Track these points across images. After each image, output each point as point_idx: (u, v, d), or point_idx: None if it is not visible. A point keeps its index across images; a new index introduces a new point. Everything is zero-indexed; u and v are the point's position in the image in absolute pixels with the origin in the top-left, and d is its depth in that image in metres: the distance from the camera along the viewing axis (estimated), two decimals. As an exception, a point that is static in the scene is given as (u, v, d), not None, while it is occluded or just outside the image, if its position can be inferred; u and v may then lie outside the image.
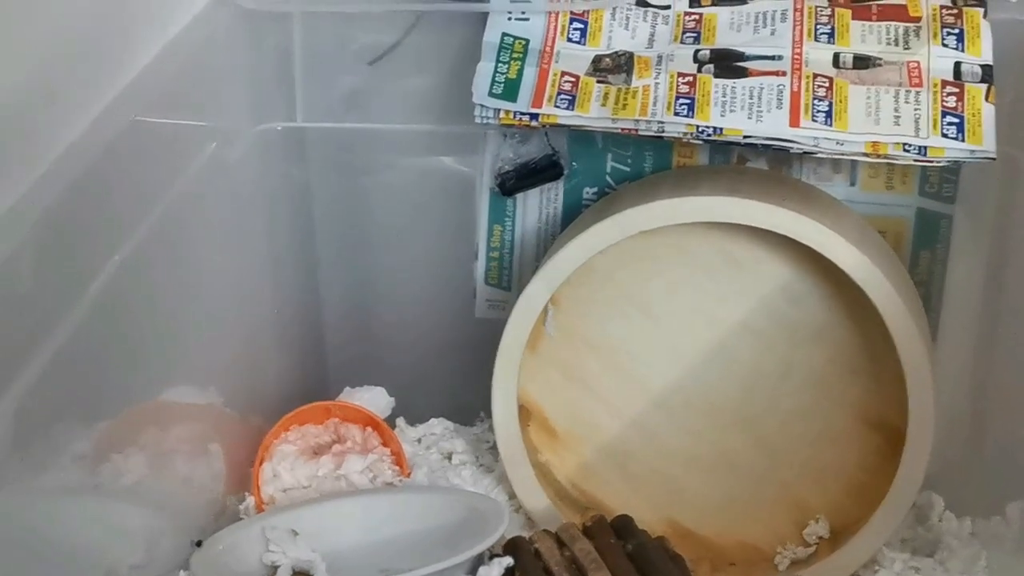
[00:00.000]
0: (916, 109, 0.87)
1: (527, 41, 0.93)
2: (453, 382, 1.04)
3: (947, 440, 0.90)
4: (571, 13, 0.93)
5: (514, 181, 0.97)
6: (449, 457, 1.00)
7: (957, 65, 0.89)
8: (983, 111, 0.87)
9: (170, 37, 0.87)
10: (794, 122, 0.87)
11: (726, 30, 0.92)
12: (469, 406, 1.02)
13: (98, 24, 0.80)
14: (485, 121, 0.91)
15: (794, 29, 0.91)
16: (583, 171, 0.97)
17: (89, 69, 0.79)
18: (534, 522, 0.93)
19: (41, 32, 0.75)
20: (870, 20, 0.91)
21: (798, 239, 0.85)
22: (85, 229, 0.74)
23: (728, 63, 0.90)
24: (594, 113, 0.89)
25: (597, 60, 0.92)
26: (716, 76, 0.89)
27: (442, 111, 0.97)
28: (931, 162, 0.86)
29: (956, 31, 0.90)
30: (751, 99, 0.88)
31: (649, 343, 0.92)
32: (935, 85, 0.88)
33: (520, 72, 0.91)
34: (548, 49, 0.93)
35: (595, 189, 0.97)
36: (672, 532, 0.92)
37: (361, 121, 0.99)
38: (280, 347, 1.02)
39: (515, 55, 0.92)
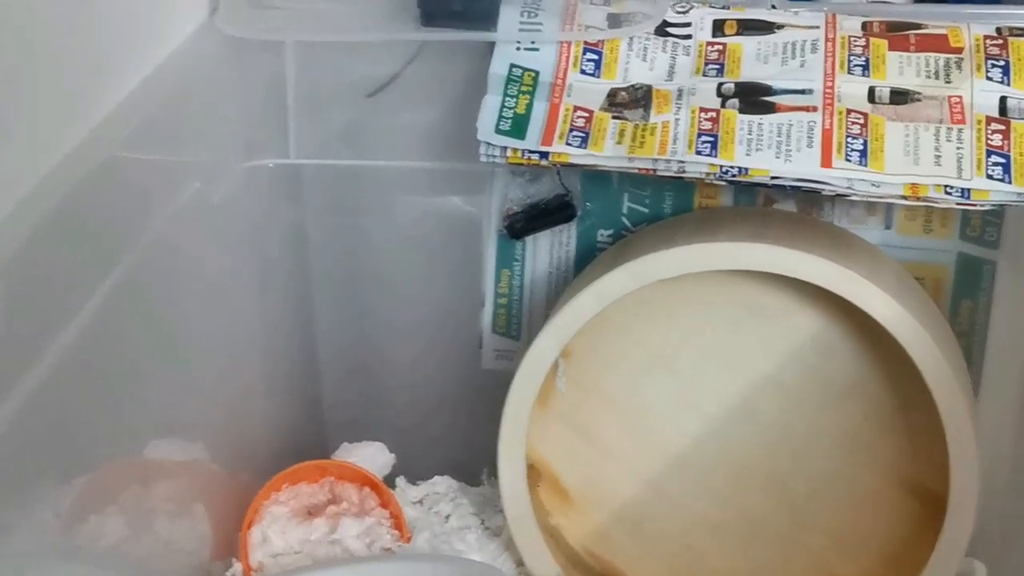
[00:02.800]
0: (959, 148, 0.83)
1: (537, 73, 0.90)
2: (458, 438, 1.01)
3: (989, 503, 0.87)
4: (585, 43, 0.90)
5: (523, 223, 0.95)
6: (452, 520, 0.97)
7: (1003, 100, 0.85)
8: (1032, 150, 0.84)
9: (151, 67, 0.85)
10: (826, 162, 0.83)
11: (752, 61, 0.89)
12: (475, 464, 0.99)
13: (70, 54, 0.77)
14: (491, 159, 0.88)
15: (825, 61, 0.88)
16: (598, 212, 0.95)
17: (60, 103, 0.76)
18: (543, 592, 0.90)
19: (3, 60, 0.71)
20: (908, 51, 0.88)
21: (830, 289, 0.82)
22: (55, 274, 0.72)
23: (754, 97, 0.87)
24: (609, 151, 0.86)
25: (612, 94, 0.89)
26: (741, 111, 0.86)
27: (446, 147, 0.95)
28: (975, 206, 0.83)
29: (1001, 63, 0.86)
30: (779, 137, 0.84)
31: (668, 399, 0.89)
32: (979, 122, 0.84)
33: (529, 107, 0.88)
34: (560, 82, 0.90)
35: (610, 231, 0.95)
36: (692, 603, 0.91)
37: (359, 158, 0.97)
38: (272, 400, 0.99)
39: (524, 88, 0.89)
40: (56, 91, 0.75)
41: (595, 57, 0.90)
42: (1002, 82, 0.85)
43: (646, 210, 0.94)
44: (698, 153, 0.84)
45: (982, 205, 0.83)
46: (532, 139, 0.87)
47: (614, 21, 0.91)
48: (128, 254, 0.77)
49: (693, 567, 0.91)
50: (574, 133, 0.86)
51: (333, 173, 0.97)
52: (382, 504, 0.93)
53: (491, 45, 0.91)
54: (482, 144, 0.87)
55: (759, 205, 0.93)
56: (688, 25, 0.91)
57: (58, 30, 0.75)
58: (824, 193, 0.84)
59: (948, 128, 0.84)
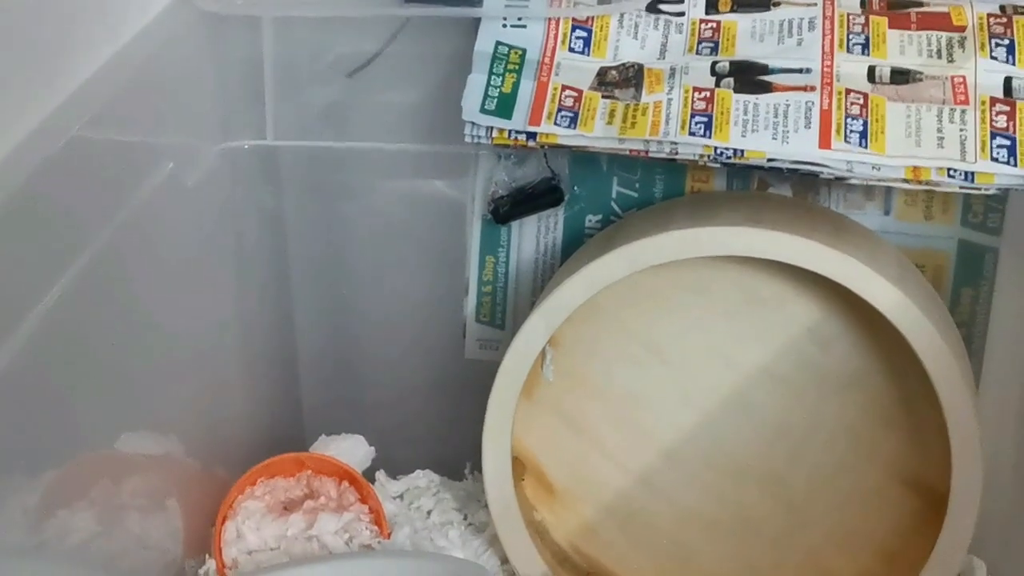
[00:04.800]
0: (962, 129, 0.82)
1: (524, 51, 0.89)
2: (440, 430, 1.01)
3: (990, 498, 0.85)
4: (573, 20, 0.89)
5: (509, 207, 0.93)
6: (434, 515, 0.96)
7: (1008, 80, 0.84)
8: (1038, 132, 0.83)
9: (121, 43, 0.83)
10: (824, 143, 0.82)
11: (747, 40, 0.87)
12: (457, 457, 0.98)
13: (32, 27, 0.75)
14: (476, 140, 0.86)
15: (824, 39, 0.86)
16: (586, 196, 0.93)
17: (21, 79, 0.74)
18: (529, 590, 0.89)
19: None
20: (909, 29, 0.87)
21: (829, 276, 0.80)
22: (17, 261, 0.70)
23: (750, 77, 0.85)
24: (599, 132, 0.84)
25: (602, 73, 0.87)
26: (736, 91, 0.85)
27: (429, 128, 0.94)
28: (979, 190, 0.81)
29: (1006, 42, 0.85)
30: (776, 117, 0.83)
31: (659, 390, 0.88)
32: (983, 103, 0.83)
33: (516, 86, 0.87)
34: (547, 60, 0.88)
35: (599, 217, 0.94)
36: (684, 602, 0.90)
37: (339, 139, 0.96)
38: (248, 391, 0.99)
39: (510, 67, 0.88)
40: (17, 67, 0.73)
41: (584, 34, 0.89)
42: (1007, 61, 0.84)
43: (636, 195, 0.93)
44: (691, 134, 0.83)
45: (986, 189, 0.81)
46: (519, 119, 0.86)
47: (604, -3, 0.90)
48: (95, 239, 0.76)
49: (684, 565, 0.90)
50: (562, 113, 0.85)
51: (312, 155, 0.97)
52: (361, 499, 0.93)
53: (476, 22, 0.90)
54: (467, 124, 0.86)
55: (754, 189, 0.92)
56: (681, 2, 0.90)
57: (16, 5, 0.73)
58: (822, 176, 0.82)
59: (951, 109, 0.83)
